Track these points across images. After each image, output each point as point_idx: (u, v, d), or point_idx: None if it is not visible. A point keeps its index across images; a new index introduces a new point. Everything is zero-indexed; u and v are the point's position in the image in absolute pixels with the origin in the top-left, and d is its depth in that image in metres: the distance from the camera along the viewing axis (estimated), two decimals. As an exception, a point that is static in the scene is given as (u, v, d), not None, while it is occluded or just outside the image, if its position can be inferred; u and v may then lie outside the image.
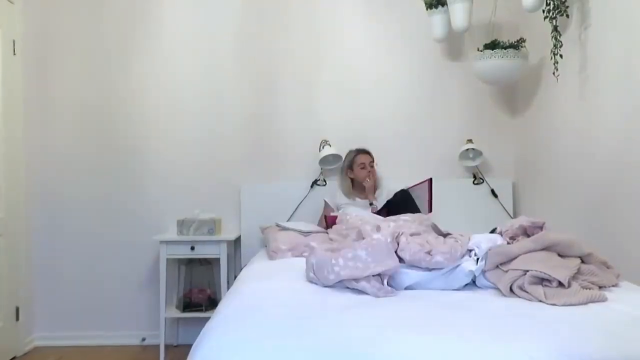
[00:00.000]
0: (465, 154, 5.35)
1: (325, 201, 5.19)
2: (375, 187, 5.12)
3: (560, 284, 2.80)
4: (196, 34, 5.50)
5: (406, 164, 5.40)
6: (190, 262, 5.34)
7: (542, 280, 2.85)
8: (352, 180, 5.13)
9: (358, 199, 5.08)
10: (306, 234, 4.64)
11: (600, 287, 2.89)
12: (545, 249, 3.06)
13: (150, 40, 5.48)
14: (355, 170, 5.10)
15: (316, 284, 3.14)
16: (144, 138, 5.47)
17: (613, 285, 2.99)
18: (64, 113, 5.47)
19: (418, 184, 4.98)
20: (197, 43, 5.49)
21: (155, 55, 5.48)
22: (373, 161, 5.12)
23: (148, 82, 5.47)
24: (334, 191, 5.24)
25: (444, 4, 5.05)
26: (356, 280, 2.99)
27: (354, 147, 5.18)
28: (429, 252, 3.12)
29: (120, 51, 5.47)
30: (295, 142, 5.47)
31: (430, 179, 4.90)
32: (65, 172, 5.48)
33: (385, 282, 3.02)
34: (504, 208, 5.32)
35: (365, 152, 5.13)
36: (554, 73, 4.17)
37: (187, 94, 5.48)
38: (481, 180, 5.40)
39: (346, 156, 5.18)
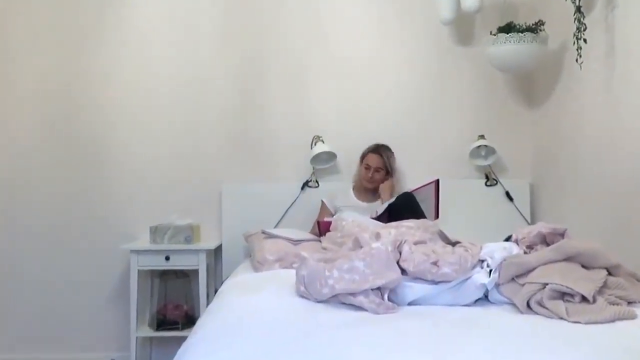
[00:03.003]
0: (476, 152, 5.35)
1: (322, 202, 5.20)
2: (388, 195, 5.10)
3: (584, 299, 2.80)
4: (173, 12, 5.48)
5: (409, 163, 5.40)
6: (164, 274, 5.32)
7: (564, 295, 2.85)
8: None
9: (360, 202, 5.10)
10: (296, 242, 4.64)
11: (629, 303, 2.89)
12: (567, 259, 3.06)
13: (121, 20, 5.45)
14: (362, 166, 5.15)
15: (308, 299, 3.14)
16: (113, 131, 5.44)
17: (644, 301, 3.00)
18: (22, 103, 5.43)
19: (423, 186, 4.98)
20: (173, 23, 5.47)
21: (127, 37, 5.45)
22: (382, 169, 5.10)
23: (117, 68, 5.44)
24: (330, 192, 5.25)
25: (452, -19, 5.07)
26: (353, 294, 3.00)
27: (363, 143, 5.25)
28: (435, 263, 3.12)
29: (87, 31, 5.44)
30: (284, 138, 5.47)
31: (437, 180, 4.90)
32: (21, 170, 5.44)
33: (385, 296, 3.02)
34: (520, 213, 5.33)
35: (377, 152, 5.13)
36: (576, 60, 4.17)
37: (161, 80, 5.46)
38: (494, 181, 5.41)
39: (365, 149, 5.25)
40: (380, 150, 5.14)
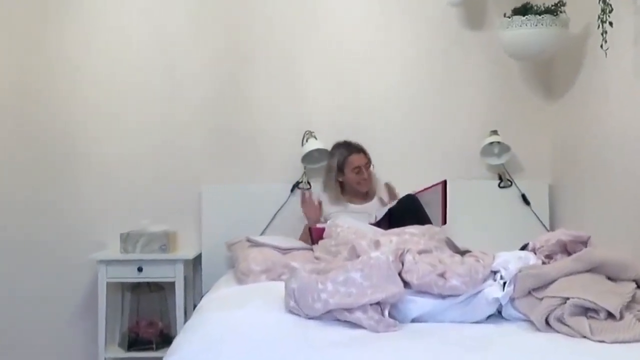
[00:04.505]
0: (488, 149, 5.35)
1: (309, 209, 5.20)
2: (371, 195, 5.17)
3: (610, 315, 2.80)
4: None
5: (412, 162, 5.42)
6: (137, 287, 5.31)
7: (587, 311, 2.85)
8: (342, 183, 5.14)
9: (352, 205, 5.09)
10: (285, 251, 4.64)
11: (660, 320, 2.90)
12: (591, 270, 3.07)
13: (88, 3, 5.42)
14: (347, 174, 5.10)
15: (298, 315, 3.13)
16: (79, 127, 5.42)
17: (677, 317, 3.00)
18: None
19: (429, 188, 4.96)
20: (146, 6, 5.45)
21: (94, 22, 5.42)
22: (369, 162, 5.11)
23: (84, 57, 5.42)
24: (321, 197, 5.24)
25: (461, -43, 5.07)
26: (349, 310, 3.00)
27: (343, 139, 5.17)
28: (442, 275, 3.12)
29: (49, 17, 5.40)
30: (272, 133, 5.46)
31: (445, 182, 4.88)
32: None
33: (386, 312, 3.02)
34: (538, 218, 5.34)
35: (360, 150, 5.12)
36: (601, 46, 4.16)
37: (133, 70, 5.44)
38: (509, 183, 5.41)
39: (334, 153, 5.15)
40: (357, 146, 5.13)
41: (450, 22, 5.47)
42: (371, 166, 5.12)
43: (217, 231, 5.27)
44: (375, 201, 5.13)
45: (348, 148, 5.11)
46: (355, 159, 5.07)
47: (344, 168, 5.08)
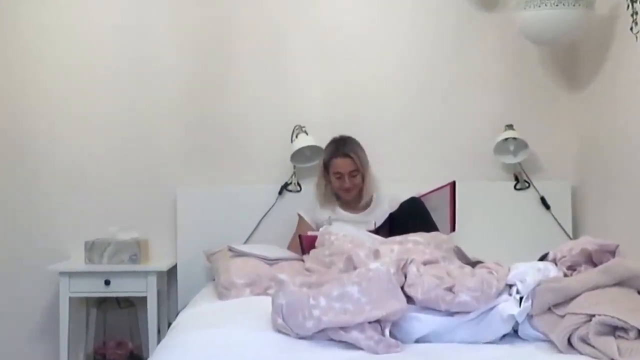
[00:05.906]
0: (503, 146, 5.35)
1: (299, 215, 5.20)
2: (367, 203, 5.15)
3: (641, 335, 2.81)
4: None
5: (417, 161, 5.43)
6: (104, 302, 5.32)
7: (615, 330, 2.85)
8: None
9: (346, 212, 5.09)
10: (272, 261, 4.64)
11: (698, 339, 2.89)
12: (620, 283, 3.07)
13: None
14: (331, 177, 5.07)
15: (287, 334, 3.13)
16: (39, 121, 5.43)
17: None
18: None
19: (435, 190, 4.98)
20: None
21: (56, 3, 5.42)
22: (357, 170, 5.03)
23: (44, 43, 5.42)
24: (312, 200, 5.24)
25: None
26: (345, 329, 3.00)
27: (341, 135, 5.14)
28: (450, 289, 3.12)
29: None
30: (258, 129, 5.46)
31: (453, 183, 4.90)
32: None
33: (386, 331, 3.02)
34: (559, 224, 5.34)
35: (346, 155, 5.03)
36: (631, 28, 4.17)
37: (99, 57, 5.45)
38: (526, 184, 5.41)
39: (325, 149, 5.14)
40: (346, 150, 5.05)
41: (460, 3, 5.45)
42: (359, 175, 5.03)
43: (194, 239, 5.27)
44: (371, 211, 5.11)
45: (336, 148, 5.07)
46: (338, 164, 5.02)
47: (329, 169, 5.07)
